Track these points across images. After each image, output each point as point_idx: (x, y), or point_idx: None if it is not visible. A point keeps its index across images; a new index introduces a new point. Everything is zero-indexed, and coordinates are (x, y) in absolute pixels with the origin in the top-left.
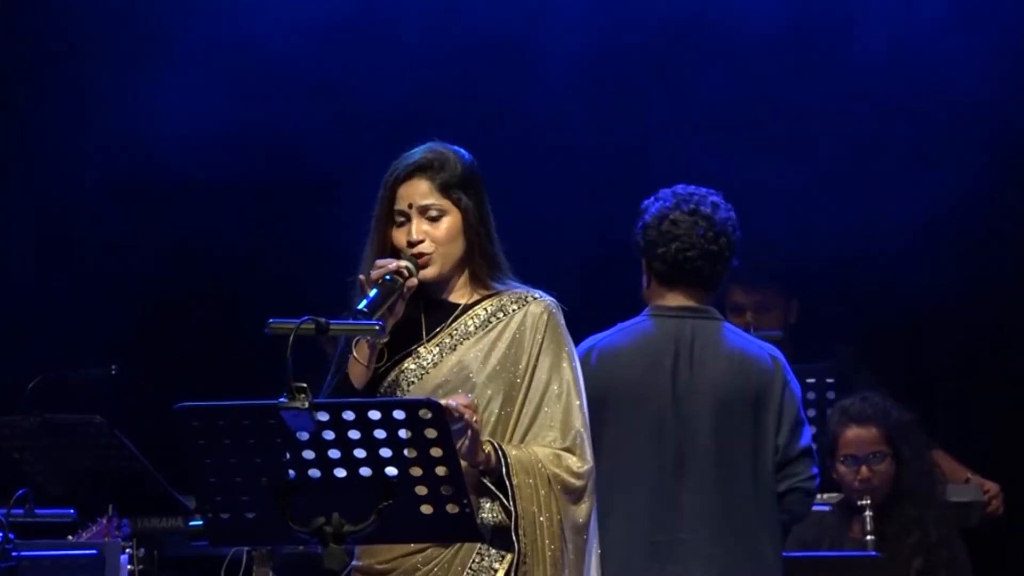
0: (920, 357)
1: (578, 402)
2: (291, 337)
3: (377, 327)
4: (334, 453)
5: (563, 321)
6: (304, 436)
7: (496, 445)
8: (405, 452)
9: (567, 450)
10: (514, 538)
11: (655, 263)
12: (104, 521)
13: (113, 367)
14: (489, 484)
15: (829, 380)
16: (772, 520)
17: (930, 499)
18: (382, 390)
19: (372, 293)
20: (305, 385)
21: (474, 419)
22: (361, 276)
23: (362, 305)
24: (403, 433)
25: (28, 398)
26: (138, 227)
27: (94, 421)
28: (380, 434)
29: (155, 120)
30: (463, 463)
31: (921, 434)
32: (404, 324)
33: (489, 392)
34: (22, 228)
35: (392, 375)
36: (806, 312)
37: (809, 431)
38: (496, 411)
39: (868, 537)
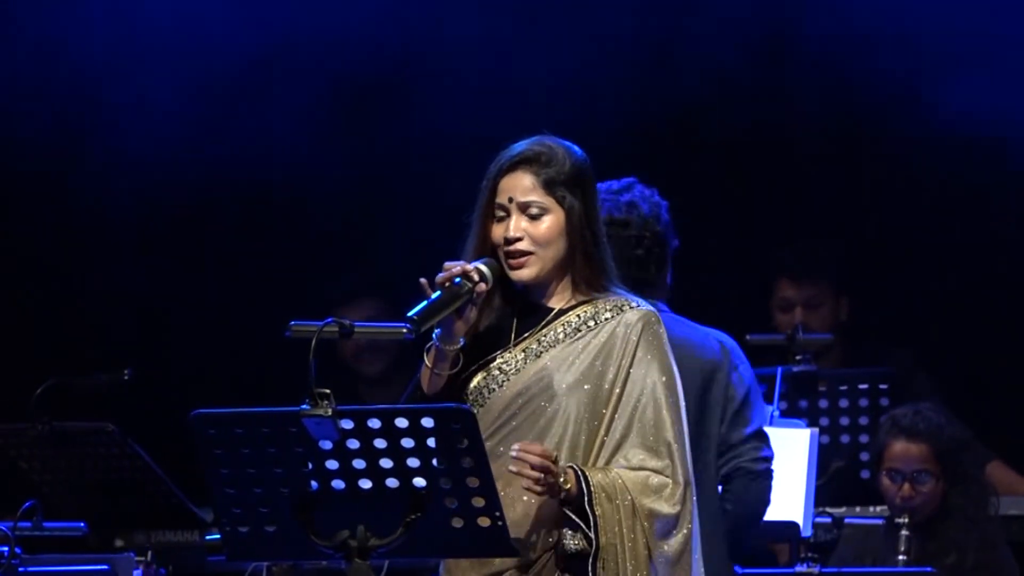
0: (980, 363)
1: (673, 418)
2: (313, 340)
3: (405, 330)
4: (359, 463)
5: (663, 331)
6: (327, 445)
7: (578, 470)
8: (434, 462)
9: (660, 472)
10: (590, 571)
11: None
12: (142, 570)
13: (126, 372)
14: (571, 515)
15: (883, 386)
16: (714, 517)
17: (974, 523)
18: (464, 397)
19: (434, 296)
20: (328, 391)
21: (549, 467)
22: (423, 280)
23: (413, 312)
24: (432, 442)
25: (35, 404)
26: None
27: (105, 429)
28: (408, 443)
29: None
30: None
31: (977, 452)
32: (495, 328)
33: (570, 403)
34: (35, 229)
35: (475, 381)
36: (860, 311)
37: (762, 416)
38: (579, 425)
39: (900, 557)
